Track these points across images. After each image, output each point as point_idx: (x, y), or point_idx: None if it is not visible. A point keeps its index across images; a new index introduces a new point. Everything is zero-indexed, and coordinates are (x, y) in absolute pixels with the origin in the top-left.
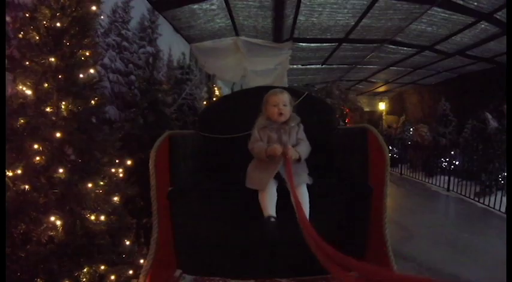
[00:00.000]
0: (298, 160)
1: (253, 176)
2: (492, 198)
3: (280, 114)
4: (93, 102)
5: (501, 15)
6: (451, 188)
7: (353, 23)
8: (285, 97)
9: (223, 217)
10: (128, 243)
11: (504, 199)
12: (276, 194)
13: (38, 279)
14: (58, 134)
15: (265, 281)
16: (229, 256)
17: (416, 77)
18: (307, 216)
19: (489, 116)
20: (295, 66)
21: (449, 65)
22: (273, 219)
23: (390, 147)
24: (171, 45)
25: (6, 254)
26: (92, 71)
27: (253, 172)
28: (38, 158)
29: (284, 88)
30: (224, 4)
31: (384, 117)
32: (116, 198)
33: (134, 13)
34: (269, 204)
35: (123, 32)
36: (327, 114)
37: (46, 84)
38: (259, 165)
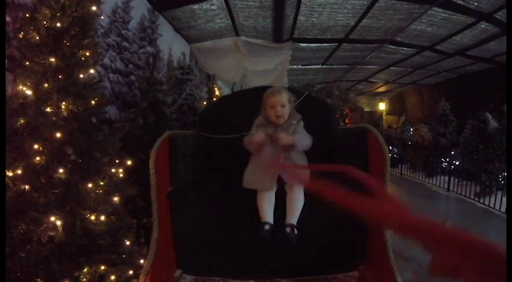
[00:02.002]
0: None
1: (254, 179)
2: (492, 198)
3: (278, 116)
4: (93, 102)
5: (501, 15)
6: (451, 188)
7: (353, 23)
8: (283, 98)
9: (223, 217)
10: (128, 243)
11: (504, 199)
12: (274, 197)
13: (38, 279)
14: (58, 134)
15: (265, 281)
16: (229, 256)
17: (416, 77)
18: (296, 221)
19: (489, 116)
20: (295, 66)
21: (449, 65)
22: (267, 227)
23: (390, 147)
24: (171, 45)
25: (6, 254)
26: (92, 71)
27: (252, 175)
28: (38, 158)
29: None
30: (224, 4)
31: (384, 118)
32: (116, 198)
33: (134, 13)
34: (267, 207)
35: (123, 32)
36: (327, 114)
37: (46, 85)
38: (257, 167)
